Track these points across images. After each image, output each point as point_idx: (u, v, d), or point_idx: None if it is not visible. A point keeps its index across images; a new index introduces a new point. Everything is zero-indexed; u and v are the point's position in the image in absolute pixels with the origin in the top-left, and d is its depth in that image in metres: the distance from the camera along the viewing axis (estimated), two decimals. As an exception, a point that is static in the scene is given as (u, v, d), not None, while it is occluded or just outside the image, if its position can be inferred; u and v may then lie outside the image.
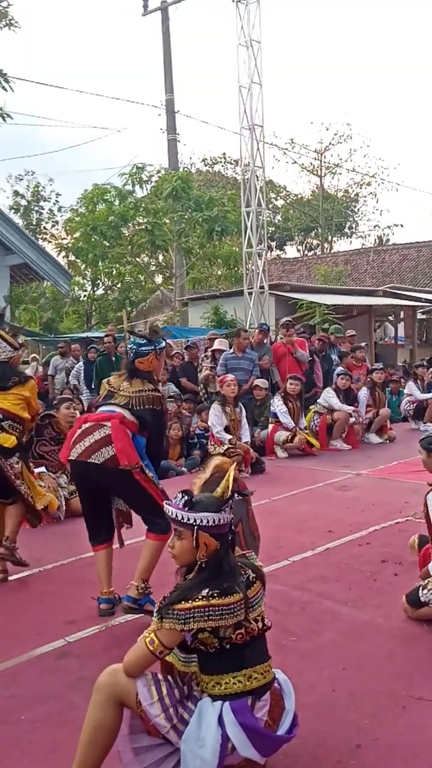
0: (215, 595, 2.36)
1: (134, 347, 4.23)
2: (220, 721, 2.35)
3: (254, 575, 2.53)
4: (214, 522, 2.46)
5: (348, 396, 10.05)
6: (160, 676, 2.47)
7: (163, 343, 4.40)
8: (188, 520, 2.48)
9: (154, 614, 2.44)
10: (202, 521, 2.46)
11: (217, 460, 2.67)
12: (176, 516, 2.50)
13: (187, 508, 2.49)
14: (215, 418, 8.18)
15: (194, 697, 2.46)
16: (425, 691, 3.15)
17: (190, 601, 2.35)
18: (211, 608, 2.34)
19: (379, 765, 2.66)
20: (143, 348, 4.20)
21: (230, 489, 2.51)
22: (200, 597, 2.35)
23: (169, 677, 2.49)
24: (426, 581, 3.87)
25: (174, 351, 12.00)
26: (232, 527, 2.58)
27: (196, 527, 2.47)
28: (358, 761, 2.68)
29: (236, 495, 2.59)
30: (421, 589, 3.87)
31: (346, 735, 2.84)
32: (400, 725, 2.91)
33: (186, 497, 2.51)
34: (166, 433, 4.38)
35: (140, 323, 24.43)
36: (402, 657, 3.52)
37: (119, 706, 2.42)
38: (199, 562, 2.48)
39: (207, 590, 2.37)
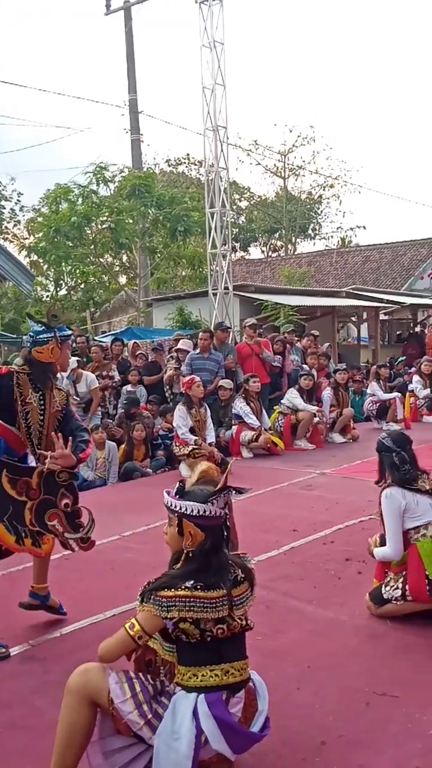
0: (199, 587, 2.39)
1: (32, 335, 3.81)
2: (195, 713, 2.36)
3: (243, 575, 2.56)
4: (198, 512, 2.49)
5: (311, 394, 10.15)
6: (132, 674, 2.48)
7: (68, 332, 3.99)
8: (173, 506, 2.54)
9: (138, 597, 2.45)
10: (186, 509, 2.51)
11: (203, 466, 2.74)
12: (166, 502, 2.57)
13: (177, 496, 2.54)
14: (180, 419, 8.17)
15: (168, 693, 2.48)
16: (388, 687, 3.19)
17: (173, 590, 2.39)
18: (193, 599, 2.37)
19: (344, 761, 2.69)
20: (42, 336, 3.77)
21: (224, 482, 2.55)
22: (184, 587, 2.38)
23: (141, 675, 2.50)
24: (388, 578, 3.92)
25: (138, 351, 11.96)
26: (226, 522, 2.60)
27: (179, 514, 2.52)
28: (323, 758, 2.70)
29: (233, 491, 2.61)
30: (383, 586, 3.92)
31: (310, 732, 2.86)
32: (364, 721, 2.95)
33: (179, 485, 2.56)
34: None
35: (104, 324, 24.31)
36: (366, 654, 3.56)
37: (92, 706, 2.42)
38: (185, 551, 2.50)
39: (192, 581, 2.40)
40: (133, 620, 2.44)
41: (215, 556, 2.50)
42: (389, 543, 3.86)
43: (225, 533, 2.60)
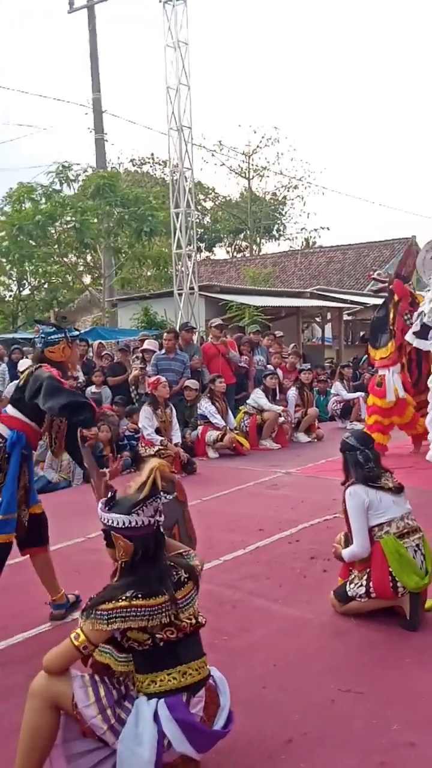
0: (139, 596, 2.37)
1: (43, 336, 3.96)
2: (156, 718, 2.35)
3: (186, 575, 2.53)
4: (124, 524, 2.46)
5: (275, 392, 10.22)
6: (97, 678, 2.46)
7: (75, 332, 4.20)
8: (102, 519, 2.52)
9: (80, 614, 2.43)
10: (112, 522, 2.48)
11: (153, 463, 2.68)
12: (98, 515, 2.54)
13: (107, 508, 2.51)
14: (146, 420, 8.14)
15: (131, 697, 2.47)
16: (353, 683, 3.22)
17: (113, 602, 2.36)
18: (132, 609, 2.34)
19: (310, 758, 2.71)
20: (53, 336, 3.95)
21: (148, 490, 2.49)
22: (123, 598, 2.36)
23: (106, 679, 2.48)
24: (352, 576, 3.96)
25: (103, 351, 11.89)
26: (160, 529, 2.57)
27: (106, 527, 2.51)
28: (289, 755, 2.72)
29: (165, 496, 2.59)
30: (348, 584, 3.95)
31: (277, 730, 2.88)
32: (330, 718, 2.97)
33: (109, 496, 2.53)
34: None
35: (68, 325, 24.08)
36: (331, 651, 3.59)
37: (56, 710, 2.40)
38: (119, 563, 2.49)
39: (131, 591, 2.38)
40: (78, 630, 2.41)
41: (151, 563, 2.47)
42: (355, 540, 3.89)
43: (160, 540, 2.56)
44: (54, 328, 4.01)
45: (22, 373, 4.13)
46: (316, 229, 40.45)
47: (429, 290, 7.77)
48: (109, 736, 2.35)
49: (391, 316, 8.39)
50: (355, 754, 2.73)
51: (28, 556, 4.02)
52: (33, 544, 3.99)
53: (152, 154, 37.84)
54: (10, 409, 3.90)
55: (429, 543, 3.97)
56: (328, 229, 37.66)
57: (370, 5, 65.99)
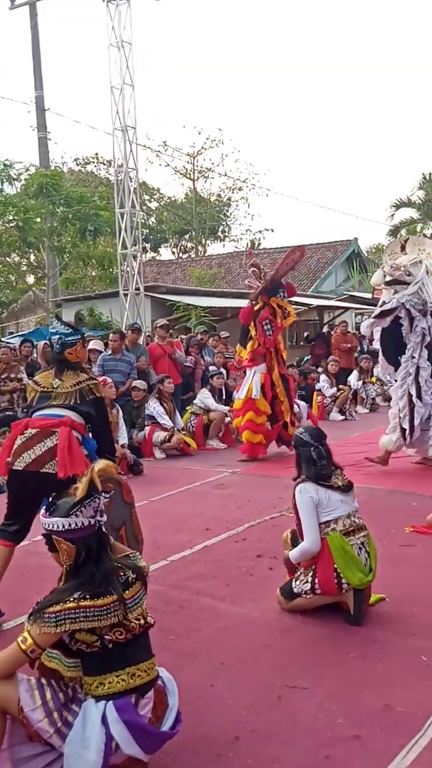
0: (87, 597, 2.36)
1: (61, 337, 3.97)
2: (104, 720, 2.35)
3: (134, 576, 2.53)
4: (63, 527, 2.45)
5: (222, 392, 10.26)
6: (43, 681, 2.44)
7: (86, 332, 4.26)
8: (43, 524, 2.51)
9: (27, 618, 2.41)
10: (52, 526, 2.48)
11: (101, 464, 2.67)
12: (40, 521, 2.53)
13: (47, 513, 2.49)
14: (91, 420, 8.07)
15: (79, 699, 2.45)
16: (299, 679, 3.27)
17: (61, 604, 2.35)
18: (81, 610, 2.33)
19: (257, 754, 2.73)
20: (70, 338, 3.97)
21: (84, 490, 2.49)
22: (71, 600, 2.35)
23: (53, 682, 2.46)
24: (298, 572, 4.01)
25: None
26: (102, 529, 2.56)
27: (47, 531, 2.50)
28: (236, 753, 2.74)
29: (104, 495, 2.58)
30: (293, 580, 4.00)
31: (224, 728, 2.90)
32: (277, 714, 3.00)
33: (50, 500, 2.51)
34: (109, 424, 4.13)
35: (11, 325, 23.70)
36: (278, 648, 3.63)
37: (2, 715, 2.37)
38: (64, 567, 2.48)
39: (79, 593, 2.36)
40: (25, 634, 2.38)
41: (97, 564, 2.47)
42: (306, 536, 3.92)
43: (103, 540, 2.55)
44: (70, 329, 4.02)
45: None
46: (260, 231, 40.73)
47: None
48: (55, 739, 2.34)
49: (253, 321, 8.64)
50: (301, 748, 2.77)
51: None
52: None
53: (96, 154, 37.50)
54: None
55: (374, 540, 4.06)
56: (272, 230, 37.97)
57: (310, 3, 66.89)
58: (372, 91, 73.21)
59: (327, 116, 70.09)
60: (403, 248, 7.71)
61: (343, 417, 12.31)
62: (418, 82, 73.32)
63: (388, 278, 7.32)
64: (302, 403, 11.04)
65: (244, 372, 8.94)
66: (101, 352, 10.21)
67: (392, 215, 28.80)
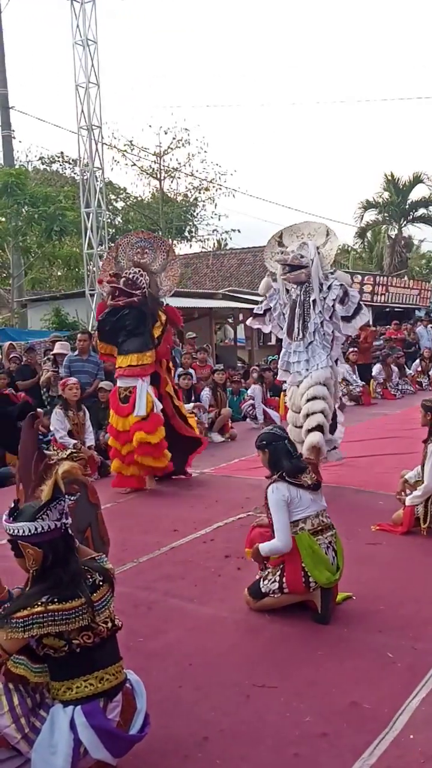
0: (54, 600, 2.34)
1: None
2: (72, 725, 2.33)
3: (101, 578, 2.51)
4: (29, 531, 2.42)
5: (189, 392, 10.25)
6: (11, 686, 2.41)
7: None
8: (7, 530, 2.47)
9: None
10: (17, 531, 2.44)
11: (65, 466, 2.65)
12: (3, 527, 2.48)
13: (11, 519, 2.46)
14: (58, 422, 8.00)
15: (47, 705, 2.43)
16: (267, 678, 3.28)
17: (28, 609, 2.32)
18: (49, 614, 2.31)
19: (225, 754, 2.74)
20: None
21: (49, 493, 2.46)
22: (38, 604, 2.32)
23: (21, 687, 2.43)
24: (266, 572, 4.03)
25: (12, 354, 11.59)
26: (68, 531, 2.54)
27: (12, 537, 2.46)
28: (205, 753, 2.74)
29: (69, 497, 2.56)
30: (261, 580, 4.02)
31: (193, 729, 2.90)
32: (244, 714, 3.01)
33: (12, 506, 2.48)
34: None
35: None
36: (245, 648, 3.64)
37: None
38: (30, 572, 2.45)
39: (46, 597, 2.34)
40: None
41: (64, 568, 2.44)
42: (278, 535, 3.93)
43: (69, 543, 2.53)
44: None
45: None
46: (227, 231, 40.74)
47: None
48: (22, 745, 2.32)
49: (159, 332, 7.57)
50: (269, 747, 2.78)
51: None
52: None
53: (62, 153, 37.11)
54: None
55: (340, 538, 4.10)
56: (239, 231, 37.90)
57: (278, 3, 67.22)
58: (340, 90, 73.89)
59: (294, 116, 70.51)
60: (280, 243, 7.56)
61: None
62: (385, 82, 74.13)
63: (282, 270, 6.99)
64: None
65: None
66: (66, 354, 10.12)
67: (361, 216, 29.07)
